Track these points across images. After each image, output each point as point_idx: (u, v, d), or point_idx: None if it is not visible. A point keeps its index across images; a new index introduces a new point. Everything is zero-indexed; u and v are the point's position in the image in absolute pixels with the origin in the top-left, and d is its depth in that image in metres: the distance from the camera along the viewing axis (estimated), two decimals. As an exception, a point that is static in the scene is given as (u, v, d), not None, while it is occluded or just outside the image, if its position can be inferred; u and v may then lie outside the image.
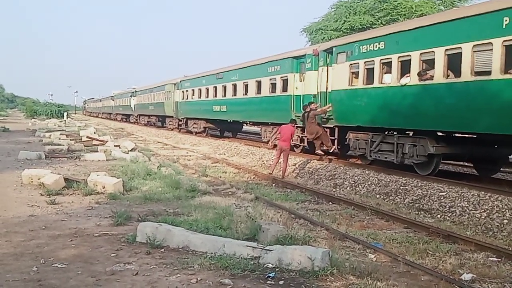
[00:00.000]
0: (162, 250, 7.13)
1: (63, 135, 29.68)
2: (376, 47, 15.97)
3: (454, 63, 13.06)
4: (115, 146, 23.41)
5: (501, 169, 17.46)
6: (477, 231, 9.82)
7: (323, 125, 18.82)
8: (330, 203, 12.66)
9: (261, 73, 24.93)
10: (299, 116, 19.92)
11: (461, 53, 12.65)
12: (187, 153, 25.33)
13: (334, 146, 18.71)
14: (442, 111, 13.51)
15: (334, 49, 18.43)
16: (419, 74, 14.15)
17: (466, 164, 18.15)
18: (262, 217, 9.46)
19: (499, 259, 7.86)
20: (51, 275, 5.98)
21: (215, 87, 32.06)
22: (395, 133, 15.81)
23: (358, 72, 16.84)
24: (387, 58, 15.47)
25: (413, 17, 33.58)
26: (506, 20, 11.32)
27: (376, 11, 38.37)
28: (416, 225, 10.07)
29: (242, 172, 18.08)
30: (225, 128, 35.17)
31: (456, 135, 15.21)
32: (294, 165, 18.42)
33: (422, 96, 14.19)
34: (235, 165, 19.64)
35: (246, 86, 27.02)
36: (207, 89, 33.73)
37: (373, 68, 16.02)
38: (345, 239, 8.84)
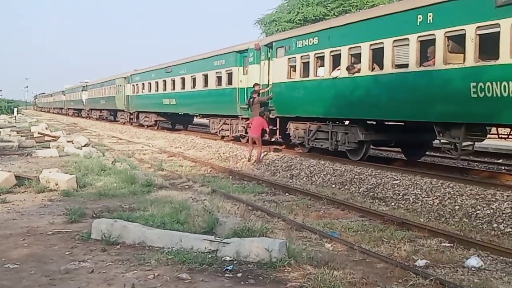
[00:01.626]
0: (118, 246, 7.01)
1: (13, 132, 28.87)
2: (311, 42, 17.07)
3: (378, 57, 14.19)
4: (68, 141, 22.91)
5: (451, 156, 17.97)
6: (430, 217, 10.05)
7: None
8: (287, 194, 12.73)
9: (208, 66, 25.68)
10: (243, 107, 21.29)
11: (383, 47, 13.84)
12: (142, 147, 25.04)
13: (277, 136, 19.87)
14: (368, 102, 14.72)
15: (274, 44, 19.46)
16: (348, 67, 15.22)
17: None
18: (219, 210, 9.41)
19: (452, 244, 8.06)
20: (3, 275, 5.81)
21: (165, 81, 32.58)
22: (330, 122, 16.72)
23: (295, 65, 17.90)
24: (320, 53, 16.54)
25: (365, 8, 34.02)
26: (420, 18, 12.60)
27: (329, 2, 38.70)
28: (371, 213, 10.24)
29: (199, 165, 17.99)
30: (176, 121, 35.62)
31: (387, 123, 16.11)
32: (251, 157, 18.44)
33: (351, 88, 15.37)
34: (191, 159, 19.53)
35: (194, 80, 27.72)
36: (157, 83, 34.20)
37: (309, 62, 17.10)
38: (302, 229, 8.91)
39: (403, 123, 15.59)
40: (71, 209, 8.84)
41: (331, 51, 15.96)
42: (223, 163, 18.26)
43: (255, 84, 19.74)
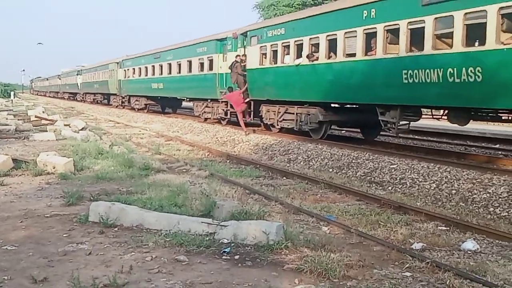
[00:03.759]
0: (116, 229, 7.03)
1: (10, 115, 28.79)
2: (279, 32, 18.91)
3: (333, 47, 16.06)
4: (65, 125, 22.89)
5: (449, 141, 18.10)
6: (426, 201, 10.10)
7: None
8: (284, 178, 12.75)
9: (192, 53, 27.47)
10: (222, 91, 23.39)
11: (336, 38, 15.67)
12: (140, 131, 25.03)
13: (250, 118, 21.68)
14: (326, 86, 16.62)
15: (248, 33, 21.27)
16: (308, 56, 17.00)
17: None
18: (217, 193, 9.42)
19: (448, 228, 8.11)
20: (1, 257, 5.83)
21: (153, 66, 34.33)
22: (295, 105, 18.36)
23: (266, 53, 19.79)
24: (286, 42, 18.39)
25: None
26: (365, 13, 14.38)
27: (328, -13, 38.39)
28: (368, 197, 10.28)
29: (196, 149, 17.98)
30: (165, 105, 37.33)
31: (345, 106, 18.19)
32: (248, 141, 18.47)
33: (311, 74, 17.23)
34: (189, 143, 19.53)
35: (180, 65, 29.52)
36: (146, 68, 35.85)
37: (277, 50, 18.95)
38: (299, 212, 8.93)
39: (357, 106, 17.41)
40: (68, 192, 8.85)
41: (295, 41, 17.76)
42: (220, 147, 18.28)
43: (237, 56, 21.66)
